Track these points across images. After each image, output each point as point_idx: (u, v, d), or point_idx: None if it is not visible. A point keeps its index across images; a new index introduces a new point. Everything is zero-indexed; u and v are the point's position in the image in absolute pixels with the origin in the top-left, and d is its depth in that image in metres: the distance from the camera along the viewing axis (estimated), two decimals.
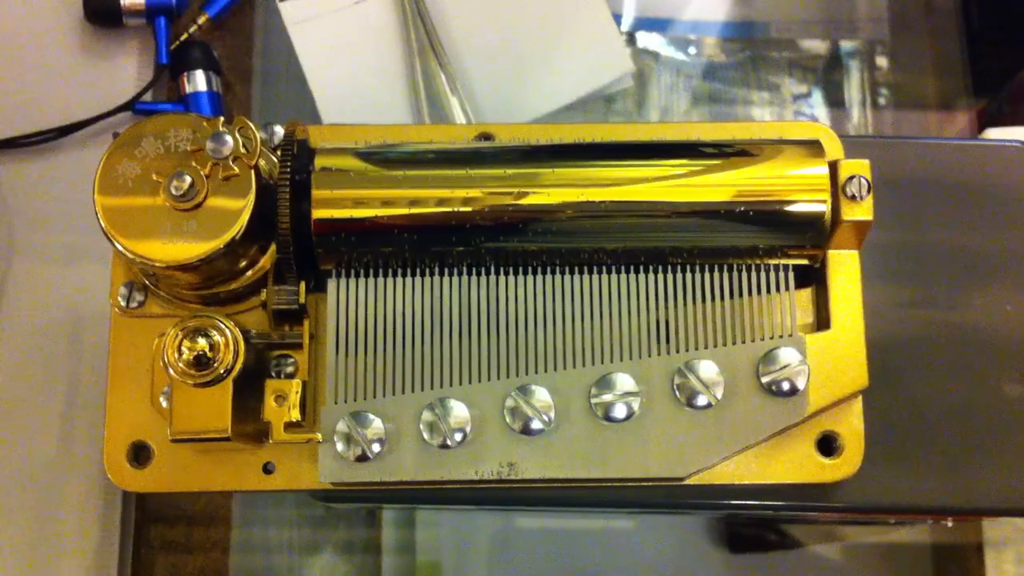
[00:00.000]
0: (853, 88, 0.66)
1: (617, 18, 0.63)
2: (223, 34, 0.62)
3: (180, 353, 0.34)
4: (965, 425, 0.41)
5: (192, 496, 0.56)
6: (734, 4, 0.67)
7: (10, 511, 0.52)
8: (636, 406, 0.36)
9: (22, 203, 0.56)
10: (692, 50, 0.66)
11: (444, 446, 0.35)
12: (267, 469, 0.37)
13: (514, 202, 0.35)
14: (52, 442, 0.53)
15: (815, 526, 0.59)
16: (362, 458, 0.35)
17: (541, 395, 0.36)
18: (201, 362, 0.34)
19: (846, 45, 0.67)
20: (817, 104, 0.66)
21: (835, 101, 0.66)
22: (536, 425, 0.36)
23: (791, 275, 0.37)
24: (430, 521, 0.58)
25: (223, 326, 0.34)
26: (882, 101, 0.66)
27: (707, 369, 0.36)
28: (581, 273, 0.37)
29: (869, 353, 0.37)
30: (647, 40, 0.66)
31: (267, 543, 0.57)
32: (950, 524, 0.55)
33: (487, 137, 0.39)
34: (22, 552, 0.52)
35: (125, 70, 0.58)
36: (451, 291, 0.37)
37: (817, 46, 0.67)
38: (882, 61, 0.66)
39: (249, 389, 0.36)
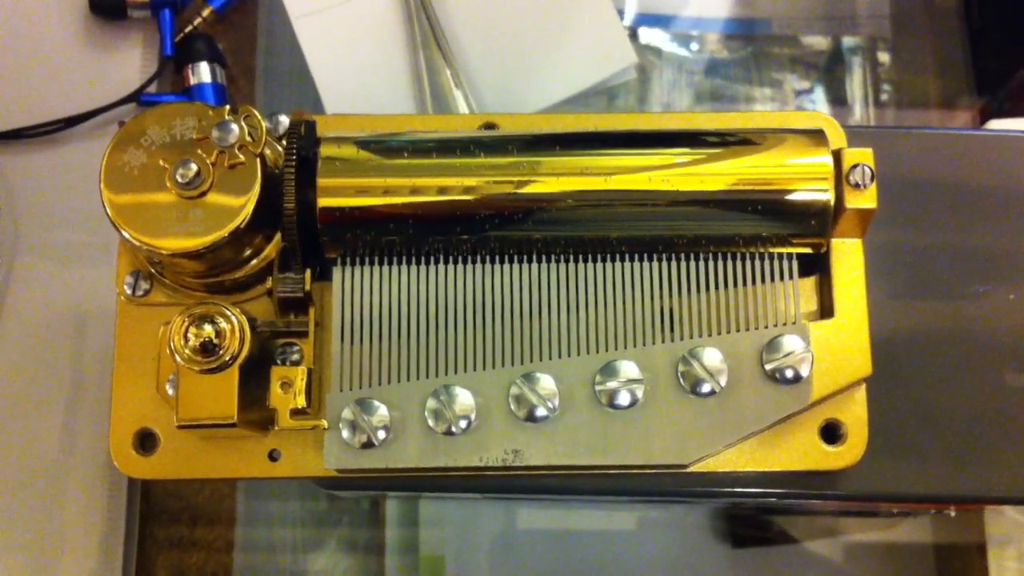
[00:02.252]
0: (855, 85, 0.66)
1: (620, 14, 0.64)
2: (227, 28, 0.62)
3: (186, 340, 0.34)
4: (968, 414, 0.41)
5: (196, 489, 0.56)
6: (736, 1, 0.67)
7: (15, 506, 0.52)
8: (640, 393, 0.36)
9: (27, 194, 0.56)
10: (694, 46, 0.66)
11: (449, 433, 0.36)
12: (272, 456, 0.37)
13: (518, 190, 0.35)
14: (56, 438, 0.53)
15: (818, 522, 0.59)
16: (367, 445, 0.35)
17: (545, 382, 0.36)
18: (207, 349, 0.34)
19: (848, 42, 0.67)
20: (819, 101, 0.66)
21: (837, 98, 0.66)
22: (540, 412, 0.36)
23: (795, 263, 0.37)
24: (433, 518, 0.58)
25: (229, 313, 0.34)
26: (884, 98, 0.66)
27: (711, 356, 0.36)
28: (585, 261, 0.37)
29: (873, 343, 0.37)
30: (649, 36, 0.66)
31: (271, 539, 0.57)
32: (952, 514, 0.55)
33: (491, 127, 0.40)
34: (27, 546, 0.52)
35: (130, 62, 0.58)
36: (456, 279, 0.37)
37: (819, 43, 0.67)
38: (884, 58, 0.66)
39: (255, 376, 0.36)
